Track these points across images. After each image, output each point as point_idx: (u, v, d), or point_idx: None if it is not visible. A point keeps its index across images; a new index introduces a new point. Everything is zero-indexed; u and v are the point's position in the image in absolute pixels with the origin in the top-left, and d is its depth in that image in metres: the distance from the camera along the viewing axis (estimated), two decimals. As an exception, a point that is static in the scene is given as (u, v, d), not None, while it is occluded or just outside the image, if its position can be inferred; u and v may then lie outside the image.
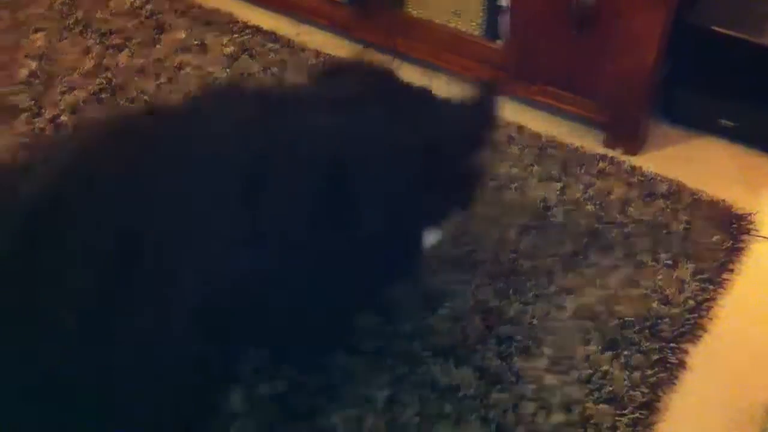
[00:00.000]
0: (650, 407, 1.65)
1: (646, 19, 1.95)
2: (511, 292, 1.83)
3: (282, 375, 1.66)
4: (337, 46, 2.46)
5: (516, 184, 2.06)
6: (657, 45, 1.98)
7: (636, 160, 2.15)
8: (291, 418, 1.61)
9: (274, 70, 2.35)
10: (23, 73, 2.32)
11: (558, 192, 2.04)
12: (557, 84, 2.18)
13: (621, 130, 2.15)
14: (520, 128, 2.21)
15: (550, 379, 1.68)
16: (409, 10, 2.35)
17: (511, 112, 2.27)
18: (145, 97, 2.24)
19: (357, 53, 1.75)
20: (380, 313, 1.76)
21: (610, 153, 2.16)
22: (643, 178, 2.09)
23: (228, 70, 2.35)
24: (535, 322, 1.77)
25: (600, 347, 1.73)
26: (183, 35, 2.46)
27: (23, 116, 2.19)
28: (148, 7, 2.56)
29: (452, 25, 2.31)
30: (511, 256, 1.90)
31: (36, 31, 2.47)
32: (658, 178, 2.09)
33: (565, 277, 1.86)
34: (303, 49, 2.43)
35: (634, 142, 2.16)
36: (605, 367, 1.70)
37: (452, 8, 2.28)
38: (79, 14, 2.53)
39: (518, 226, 1.96)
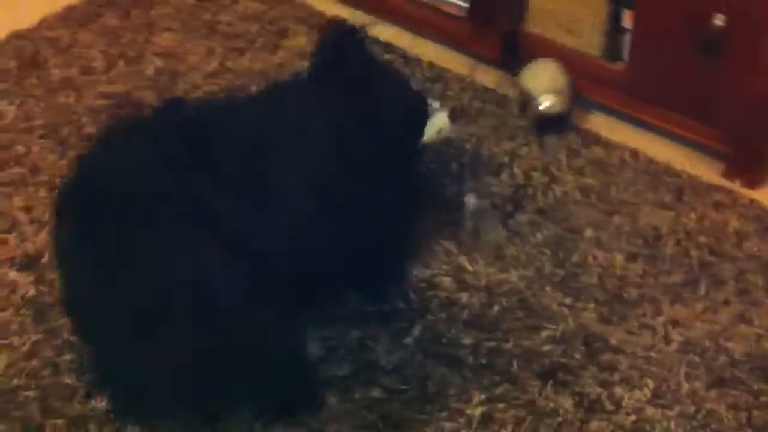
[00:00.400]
0: (755, 450, 1.59)
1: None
2: (615, 319, 1.79)
3: (378, 383, 1.67)
4: (451, 59, 2.47)
5: (627, 210, 2.02)
6: (787, 75, 1.92)
7: (755, 194, 2.08)
8: (385, 427, 1.62)
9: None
10: (150, 69, 2.41)
11: (671, 221, 1.99)
12: (678, 109, 2.13)
13: (742, 160, 2.09)
14: (635, 152, 2.17)
15: (651, 412, 1.64)
16: (529, 26, 2.34)
17: (627, 134, 2.23)
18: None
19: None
20: (482, 329, 1.76)
21: (728, 184, 2.10)
22: (761, 213, 2.02)
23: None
24: (639, 352, 1.73)
25: (706, 384, 1.68)
26: (303, 41, 2.51)
27: (147, 112, 2.27)
28: (272, 13, 2.63)
29: (571, 44, 2.28)
30: (618, 282, 1.86)
31: (165, 30, 2.57)
32: (778, 213, 2.02)
33: (673, 309, 1.81)
34: (418, 61, 2.45)
35: (754, 175, 2.09)
36: (710, 405, 1.65)
37: (573, 27, 2.26)
38: (206, 16, 2.61)
39: (627, 252, 1.92)
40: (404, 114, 1.81)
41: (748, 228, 1.98)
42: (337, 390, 1.66)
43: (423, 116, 1.91)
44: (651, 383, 1.68)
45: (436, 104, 2.04)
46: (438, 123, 2.01)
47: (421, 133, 1.91)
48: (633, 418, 1.63)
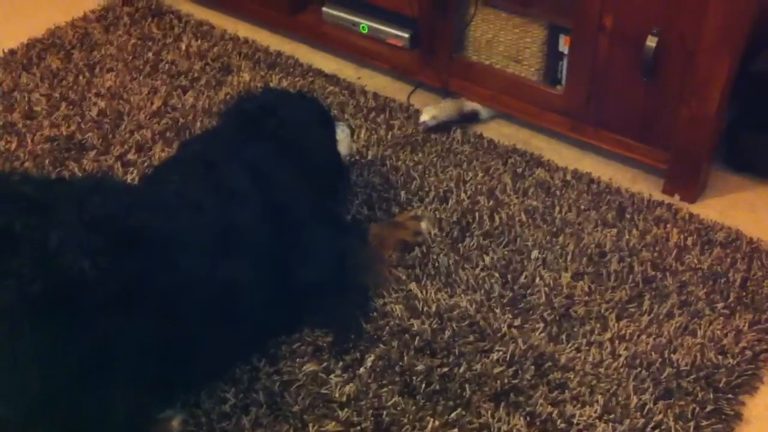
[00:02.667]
0: (705, 460, 1.63)
1: (710, 66, 1.95)
2: (564, 337, 1.82)
3: (333, 416, 1.68)
4: (395, 89, 2.51)
5: (571, 229, 2.06)
6: (721, 91, 1.98)
7: (695, 208, 2.13)
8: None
9: (335, 112, 2.40)
10: (93, 111, 2.41)
11: (614, 238, 2.04)
12: (617, 129, 2.19)
13: (681, 176, 2.14)
14: (577, 173, 2.22)
15: (602, 428, 1.66)
16: (469, 54, 2.39)
17: (568, 156, 2.28)
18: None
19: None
20: (434, 355, 1.78)
21: (668, 199, 2.15)
22: (701, 226, 2.07)
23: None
24: (588, 369, 1.76)
25: (654, 396, 1.71)
26: (247, 77, 2.53)
27: (91, 154, 2.27)
28: (215, 49, 2.65)
29: (511, 70, 2.33)
30: (565, 301, 1.90)
31: (107, 70, 2.57)
32: (717, 226, 2.07)
33: (619, 324, 1.85)
34: (363, 92, 2.48)
35: (693, 189, 2.15)
36: (659, 417, 1.68)
37: (512, 54, 2.31)
38: (149, 55, 2.62)
39: (573, 271, 1.96)
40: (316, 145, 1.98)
41: (688, 241, 2.03)
42: (293, 427, 1.66)
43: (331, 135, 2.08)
44: (601, 399, 1.71)
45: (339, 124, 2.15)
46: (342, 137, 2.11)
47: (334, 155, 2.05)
48: (583, 437, 1.66)
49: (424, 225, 2.03)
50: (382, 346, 1.80)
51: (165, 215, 1.57)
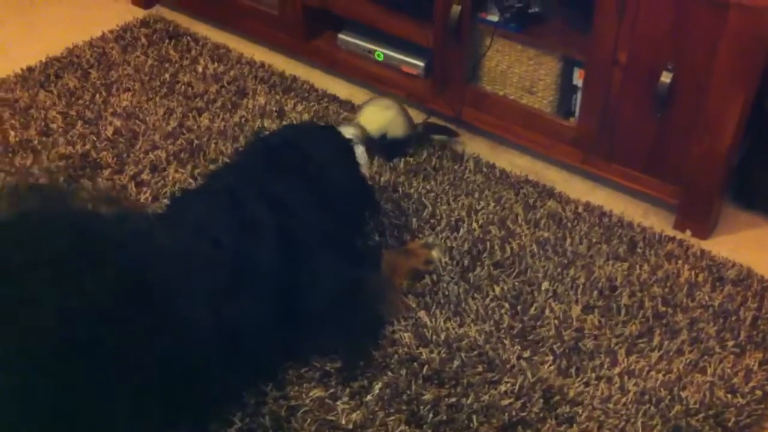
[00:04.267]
0: (713, 499, 1.61)
1: (723, 102, 1.96)
2: (573, 371, 1.82)
3: (340, 441, 1.67)
4: (413, 116, 2.52)
5: (582, 262, 2.06)
6: (734, 129, 1.98)
7: (706, 244, 2.13)
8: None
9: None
10: (109, 130, 2.43)
11: (625, 272, 2.03)
12: (629, 163, 2.19)
13: (693, 212, 2.14)
14: (589, 205, 2.22)
15: (609, 464, 1.65)
16: (483, 84, 2.40)
17: (580, 188, 2.29)
18: (225, 159, 2.32)
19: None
20: (442, 385, 1.77)
21: (680, 235, 2.15)
22: (712, 263, 2.07)
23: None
24: (596, 403, 1.75)
25: (662, 433, 1.71)
26: (262, 101, 2.55)
27: (106, 172, 2.28)
28: (231, 72, 2.67)
29: (524, 101, 2.34)
30: (575, 334, 1.89)
31: (124, 90, 2.59)
32: (729, 263, 2.06)
33: (629, 359, 1.84)
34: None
35: (705, 225, 2.15)
36: (667, 455, 1.67)
37: (526, 85, 2.32)
38: (166, 76, 2.64)
39: (583, 304, 1.95)
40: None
41: (699, 278, 2.03)
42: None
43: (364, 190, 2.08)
44: (609, 435, 1.70)
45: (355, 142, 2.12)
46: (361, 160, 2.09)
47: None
48: (592, 471, 1.65)
49: (435, 253, 2.03)
50: (390, 374, 1.79)
51: (180, 263, 1.61)
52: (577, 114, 2.27)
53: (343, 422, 1.70)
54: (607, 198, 2.26)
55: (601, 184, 2.29)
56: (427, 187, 2.27)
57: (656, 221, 2.20)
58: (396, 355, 1.83)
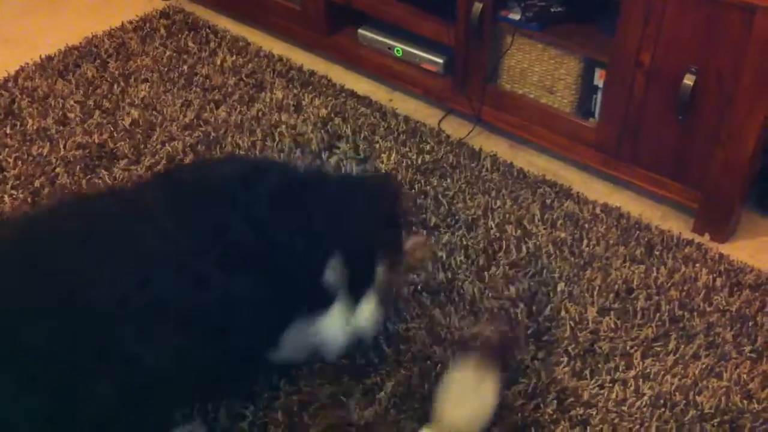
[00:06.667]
0: (727, 506, 1.59)
1: (748, 108, 1.93)
2: (588, 373, 1.80)
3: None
4: (426, 114, 2.51)
5: (599, 264, 2.04)
6: (757, 136, 1.96)
7: (725, 248, 2.11)
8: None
9: (365, 133, 2.40)
10: (126, 120, 2.43)
11: (642, 274, 2.02)
12: (650, 166, 2.17)
13: (712, 216, 2.12)
14: (606, 206, 2.20)
15: (623, 467, 1.64)
16: (503, 83, 2.39)
17: (598, 189, 2.27)
18: (240, 151, 2.32)
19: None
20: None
21: (698, 239, 2.13)
22: (730, 267, 2.05)
23: (321, 131, 2.41)
24: (611, 406, 1.74)
25: (677, 438, 1.69)
26: (280, 95, 2.54)
27: (122, 163, 2.28)
28: (250, 66, 2.66)
29: (544, 100, 2.33)
30: (590, 336, 1.87)
31: (142, 81, 2.59)
32: (747, 268, 2.04)
33: (644, 363, 1.82)
34: (395, 115, 2.48)
35: (724, 230, 2.13)
36: (681, 460, 1.65)
37: (546, 84, 2.31)
38: (184, 68, 2.64)
39: (599, 306, 1.94)
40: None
41: (717, 282, 2.01)
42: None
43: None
44: (623, 438, 1.69)
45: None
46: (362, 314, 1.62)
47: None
48: (605, 473, 1.63)
49: (419, 254, 1.95)
50: (402, 371, 1.78)
51: None
52: (597, 115, 2.25)
53: (356, 418, 1.69)
54: (626, 200, 2.24)
55: (619, 186, 2.28)
56: (444, 184, 2.25)
57: (675, 224, 2.18)
58: (410, 353, 1.82)
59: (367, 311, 1.60)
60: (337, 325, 1.62)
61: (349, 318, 1.60)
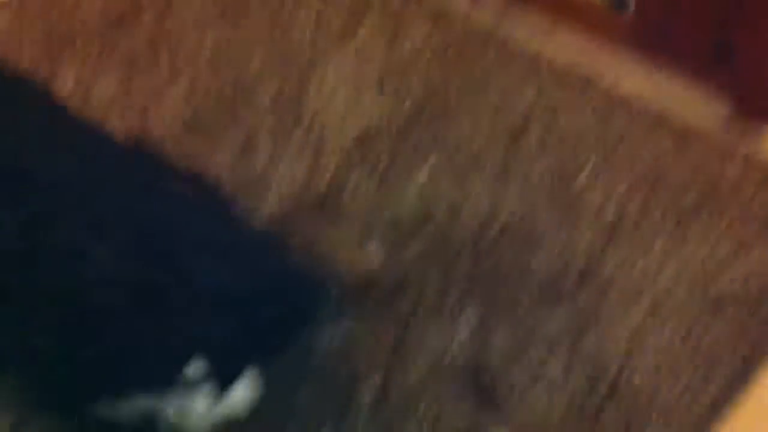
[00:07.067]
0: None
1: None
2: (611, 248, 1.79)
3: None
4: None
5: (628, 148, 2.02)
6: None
7: (760, 144, 2.07)
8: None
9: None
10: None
11: (671, 160, 1.99)
12: (687, 58, 2.12)
13: (747, 110, 2.07)
14: (635, 96, 2.15)
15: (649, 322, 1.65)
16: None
17: (629, 79, 2.20)
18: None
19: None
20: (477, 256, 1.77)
21: (733, 133, 2.08)
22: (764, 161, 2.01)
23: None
24: (635, 274, 1.76)
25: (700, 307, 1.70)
26: None
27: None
28: None
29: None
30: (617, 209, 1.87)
31: None
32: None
33: (672, 239, 1.82)
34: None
35: (760, 125, 2.07)
36: (707, 321, 1.66)
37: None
38: None
39: (628, 183, 1.93)
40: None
41: (748, 176, 1.97)
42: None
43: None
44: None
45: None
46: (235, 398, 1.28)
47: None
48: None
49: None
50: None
51: None
52: (631, 7, 2.20)
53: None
54: (657, 90, 2.17)
55: (651, 76, 2.22)
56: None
57: (708, 117, 2.12)
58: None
59: (241, 392, 1.27)
60: (197, 410, 1.23)
61: (217, 401, 1.24)
